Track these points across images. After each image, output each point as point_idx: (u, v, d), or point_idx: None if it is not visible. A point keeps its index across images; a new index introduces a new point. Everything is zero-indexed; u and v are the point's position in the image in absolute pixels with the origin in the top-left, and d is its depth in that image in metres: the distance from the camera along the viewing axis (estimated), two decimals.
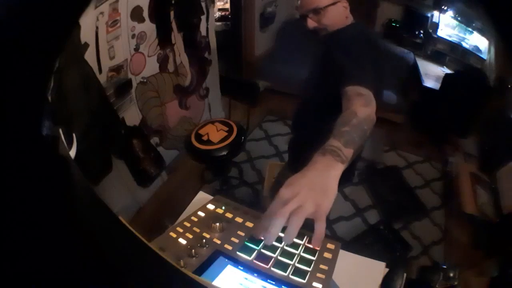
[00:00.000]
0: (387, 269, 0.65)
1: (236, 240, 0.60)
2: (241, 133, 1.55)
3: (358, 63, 0.89)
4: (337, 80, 0.88)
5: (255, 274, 0.54)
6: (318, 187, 0.54)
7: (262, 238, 0.53)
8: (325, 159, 0.59)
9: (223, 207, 0.68)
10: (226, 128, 1.57)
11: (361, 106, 0.73)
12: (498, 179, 1.25)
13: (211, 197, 0.76)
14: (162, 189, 1.69)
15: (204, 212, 0.67)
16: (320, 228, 0.52)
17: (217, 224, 0.62)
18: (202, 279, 0.51)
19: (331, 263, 0.57)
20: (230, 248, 0.58)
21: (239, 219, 0.66)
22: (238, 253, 0.57)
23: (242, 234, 0.61)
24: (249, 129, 1.82)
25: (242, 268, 0.55)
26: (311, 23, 1.03)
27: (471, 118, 1.42)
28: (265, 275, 0.54)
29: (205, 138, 1.53)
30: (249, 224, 0.65)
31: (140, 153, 1.55)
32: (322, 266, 0.55)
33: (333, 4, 1.02)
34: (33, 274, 0.34)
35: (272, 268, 0.55)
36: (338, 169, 0.58)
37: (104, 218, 0.40)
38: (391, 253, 1.28)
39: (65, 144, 0.42)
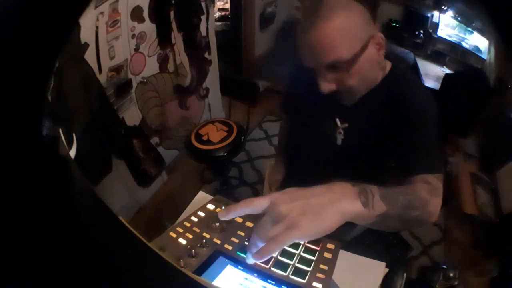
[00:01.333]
0: (387, 269, 0.65)
1: (236, 240, 0.60)
2: (241, 133, 1.55)
3: (422, 144, 0.69)
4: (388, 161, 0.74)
5: (255, 274, 0.54)
6: (311, 207, 0.45)
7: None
8: (350, 189, 0.49)
9: (223, 207, 0.68)
10: (226, 128, 1.57)
11: (426, 191, 0.61)
12: (498, 179, 1.25)
13: (211, 197, 0.76)
14: (162, 189, 1.70)
15: (204, 212, 0.67)
16: (272, 246, 0.43)
17: (217, 224, 0.62)
18: (202, 279, 0.51)
19: (331, 263, 0.57)
20: (230, 248, 0.58)
21: (239, 219, 0.66)
22: (238, 253, 0.57)
23: (242, 234, 0.61)
24: (249, 129, 1.82)
25: (242, 268, 0.55)
26: (326, 86, 0.66)
27: (471, 118, 1.42)
28: (265, 275, 0.54)
29: (205, 138, 1.53)
30: (249, 224, 0.64)
31: (140, 153, 1.55)
32: (322, 266, 0.55)
33: (363, 50, 0.64)
34: (33, 274, 0.34)
35: (272, 268, 0.55)
36: (354, 207, 0.48)
37: (104, 218, 0.40)
38: (391, 253, 1.28)
39: (65, 144, 0.42)
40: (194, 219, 0.65)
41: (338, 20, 0.62)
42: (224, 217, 0.48)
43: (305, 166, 0.93)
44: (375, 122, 0.75)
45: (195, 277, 0.49)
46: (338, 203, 0.47)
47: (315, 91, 0.73)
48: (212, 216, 0.65)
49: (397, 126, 0.72)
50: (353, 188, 0.50)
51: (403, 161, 0.71)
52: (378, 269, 0.66)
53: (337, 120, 0.80)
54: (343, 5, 0.64)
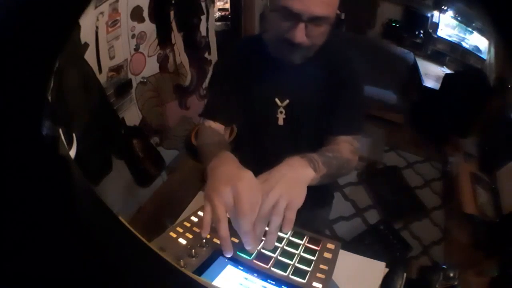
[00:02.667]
0: (387, 269, 0.65)
1: (236, 240, 0.60)
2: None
3: (349, 109, 0.79)
4: (320, 118, 0.80)
5: (255, 274, 0.54)
6: (293, 181, 0.57)
7: (246, 244, 0.54)
8: (302, 160, 0.62)
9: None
10: None
11: (349, 152, 0.76)
12: (498, 179, 1.25)
13: None
14: (162, 189, 1.70)
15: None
16: (291, 215, 0.54)
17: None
18: (202, 279, 0.51)
19: (331, 263, 0.57)
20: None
21: None
22: (238, 253, 0.57)
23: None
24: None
25: (242, 268, 0.55)
26: (301, 36, 0.68)
27: (471, 118, 1.42)
28: (265, 275, 0.54)
29: None
30: None
31: (140, 153, 1.55)
32: (322, 266, 0.55)
33: (336, 14, 0.71)
34: (33, 274, 0.34)
35: (272, 268, 0.55)
36: (310, 173, 0.61)
37: (104, 218, 0.40)
38: (391, 253, 1.28)
39: (65, 144, 0.42)
40: (194, 219, 0.65)
41: None
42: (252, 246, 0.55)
43: (249, 144, 0.95)
44: (313, 90, 0.80)
45: (195, 277, 0.49)
46: (301, 170, 0.60)
47: (252, 71, 0.80)
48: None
49: (331, 90, 0.78)
50: (303, 159, 0.62)
51: (332, 123, 0.79)
52: (378, 269, 0.66)
53: (277, 100, 0.81)
54: None
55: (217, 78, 0.92)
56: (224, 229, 0.53)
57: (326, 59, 0.78)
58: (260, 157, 0.73)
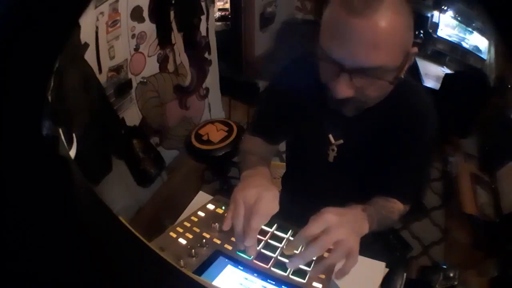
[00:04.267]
0: (387, 269, 0.65)
1: None
2: (241, 133, 1.55)
3: (411, 174, 0.71)
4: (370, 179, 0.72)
5: (255, 274, 0.54)
6: (355, 231, 0.56)
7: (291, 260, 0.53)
8: (363, 215, 0.61)
9: (223, 207, 0.68)
10: (226, 128, 1.57)
11: (398, 213, 0.72)
12: (498, 179, 1.25)
13: (211, 197, 0.76)
14: (162, 189, 1.70)
15: (204, 212, 0.67)
16: (352, 264, 0.53)
17: (217, 224, 0.61)
18: (202, 279, 0.51)
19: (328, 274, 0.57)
20: (230, 248, 0.58)
21: None
22: (238, 253, 0.57)
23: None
24: (245, 131, 1.82)
25: (242, 268, 0.55)
26: (345, 91, 0.54)
27: (471, 118, 1.42)
28: (265, 275, 0.54)
29: (205, 138, 1.53)
30: None
31: (140, 153, 1.55)
32: (321, 276, 0.55)
33: (405, 62, 0.55)
34: (32, 274, 0.34)
35: (272, 268, 0.55)
36: (365, 231, 0.60)
37: (104, 218, 0.40)
38: (391, 253, 1.28)
39: (65, 144, 0.42)
40: (194, 219, 0.65)
41: (400, 18, 0.50)
42: (290, 251, 0.55)
43: (295, 175, 0.90)
44: (372, 139, 0.70)
45: (195, 277, 0.49)
46: (361, 227, 0.59)
47: (308, 101, 0.70)
48: (212, 216, 0.65)
49: (396, 146, 0.68)
50: (364, 214, 0.61)
51: (392, 183, 0.72)
52: (378, 269, 0.66)
53: (330, 137, 0.73)
54: (404, 2, 0.51)
55: (274, 94, 0.80)
56: (240, 226, 0.55)
57: (395, 102, 0.63)
58: (301, 187, 0.72)
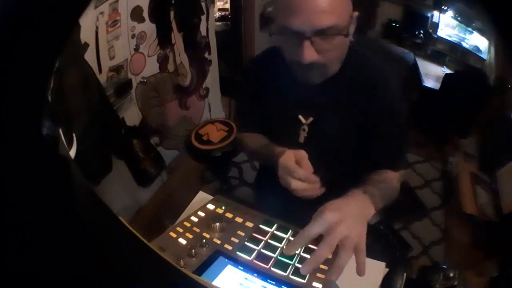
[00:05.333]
0: (387, 269, 0.65)
1: (236, 240, 0.60)
2: None
3: (393, 139, 0.74)
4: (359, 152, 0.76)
5: (255, 274, 0.54)
6: (360, 220, 0.56)
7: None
8: (365, 197, 0.61)
9: (223, 207, 0.68)
10: (226, 128, 1.57)
11: (397, 180, 0.74)
12: (498, 179, 1.25)
13: (211, 197, 0.76)
14: (162, 189, 1.70)
15: (204, 212, 0.67)
16: (363, 258, 0.53)
17: (217, 224, 0.61)
18: (202, 279, 0.51)
19: (331, 263, 0.57)
20: (230, 248, 0.58)
21: (239, 219, 0.66)
22: (238, 253, 0.57)
23: (242, 234, 0.61)
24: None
25: (242, 268, 0.55)
26: (310, 54, 0.61)
27: (471, 118, 1.42)
28: (265, 275, 0.54)
29: (205, 138, 1.53)
30: (249, 224, 0.64)
31: (140, 153, 1.55)
32: (322, 266, 0.55)
33: (350, 22, 0.64)
34: (32, 274, 0.34)
35: (272, 268, 0.55)
36: (371, 211, 0.60)
37: (104, 218, 0.40)
38: (391, 253, 1.28)
39: (65, 144, 0.42)
40: (194, 219, 0.65)
41: None
42: (291, 252, 0.55)
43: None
44: (341, 111, 0.73)
45: (195, 277, 0.49)
46: (365, 209, 0.60)
47: (276, 86, 0.76)
48: (212, 216, 0.65)
49: (365, 116, 0.72)
50: (366, 196, 0.61)
51: (375, 157, 0.75)
52: (378, 269, 0.66)
53: (300, 117, 0.77)
54: None
55: (244, 88, 0.88)
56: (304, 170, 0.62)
57: (355, 74, 0.71)
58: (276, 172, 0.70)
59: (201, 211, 0.67)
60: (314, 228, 0.52)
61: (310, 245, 0.56)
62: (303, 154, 0.64)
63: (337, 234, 0.52)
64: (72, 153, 0.45)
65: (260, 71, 0.80)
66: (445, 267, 0.65)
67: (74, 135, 0.50)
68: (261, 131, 0.84)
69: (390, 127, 0.74)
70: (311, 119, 0.76)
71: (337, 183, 0.65)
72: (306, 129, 0.77)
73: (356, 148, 0.77)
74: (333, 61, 0.67)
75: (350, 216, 0.54)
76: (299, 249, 0.60)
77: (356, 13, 0.66)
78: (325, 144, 0.77)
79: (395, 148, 0.76)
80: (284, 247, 0.59)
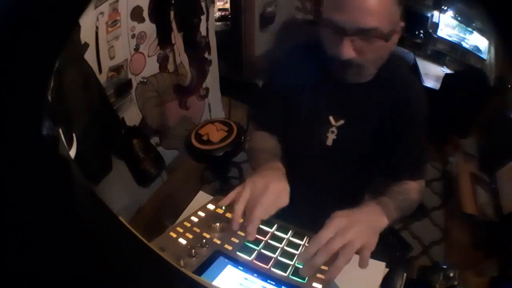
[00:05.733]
0: (387, 269, 0.65)
1: (236, 240, 0.60)
2: (241, 133, 1.55)
3: (416, 150, 0.75)
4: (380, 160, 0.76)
5: (255, 274, 0.54)
6: (369, 228, 0.58)
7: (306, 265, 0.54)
8: (378, 208, 0.62)
9: (223, 207, 0.68)
10: (226, 128, 1.57)
11: (417, 192, 0.74)
12: (498, 179, 1.25)
13: (211, 197, 0.76)
14: (162, 189, 1.70)
15: (204, 212, 0.67)
16: (367, 254, 0.55)
17: (217, 224, 0.61)
18: (202, 279, 0.51)
19: (331, 264, 0.57)
20: (230, 248, 0.58)
21: (239, 220, 0.65)
22: (238, 253, 0.57)
23: (242, 234, 0.61)
24: (249, 129, 1.82)
25: (242, 268, 0.55)
26: (349, 51, 0.61)
27: (471, 118, 1.42)
28: (265, 275, 0.54)
29: (205, 138, 1.53)
30: None
31: (140, 153, 1.55)
32: (322, 267, 0.55)
33: (394, 30, 0.64)
34: (32, 274, 0.34)
35: (272, 269, 0.55)
36: (385, 222, 0.61)
37: (104, 218, 0.40)
38: (391, 253, 1.28)
39: (65, 144, 0.42)
40: (194, 219, 0.65)
41: None
42: (304, 259, 0.55)
43: (292, 161, 0.85)
44: (372, 118, 0.73)
45: (195, 277, 0.49)
46: (377, 221, 0.61)
47: (309, 84, 0.74)
48: (212, 216, 0.65)
49: (394, 125, 0.71)
50: (379, 207, 0.62)
51: (396, 166, 0.76)
52: (378, 269, 0.66)
53: (331, 118, 0.75)
54: None
55: (274, 83, 0.82)
56: (240, 208, 0.58)
57: (389, 82, 0.71)
58: (297, 175, 0.68)
59: (201, 211, 0.67)
60: (325, 233, 0.54)
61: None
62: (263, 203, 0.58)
63: (340, 239, 0.53)
64: (72, 153, 0.45)
65: (294, 64, 0.76)
66: (445, 267, 0.65)
67: (74, 135, 0.49)
68: (279, 131, 0.80)
69: (414, 138, 0.75)
70: (341, 121, 0.74)
71: (356, 189, 0.65)
72: (335, 131, 0.75)
73: (379, 156, 0.76)
74: (370, 63, 0.66)
75: (359, 223, 0.56)
76: (299, 249, 0.60)
77: (402, 24, 0.65)
78: (353, 149, 0.75)
79: (417, 158, 0.77)
80: (297, 254, 0.59)
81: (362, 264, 0.55)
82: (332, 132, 0.75)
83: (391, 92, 0.71)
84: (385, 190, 0.70)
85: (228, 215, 0.66)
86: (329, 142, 0.75)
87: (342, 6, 0.60)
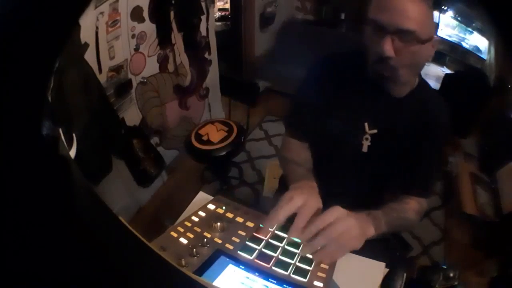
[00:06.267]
0: (387, 269, 0.65)
1: (237, 240, 0.60)
2: (241, 133, 1.55)
3: (430, 170, 0.80)
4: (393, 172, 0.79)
5: (257, 273, 0.54)
6: (353, 232, 0.62)
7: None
8: (366, 218, 0.66)
9: (224, 207, 0.68)
10: (226, 128, 1.57)
11: (416, 213, 0.77)
12: (498, 179, 1.25)
13: (211, 197, 0.76)
14: (162, 189, 1.70)
15: (205, 212, 0.67)
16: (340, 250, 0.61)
17: (218, 223, 0.61)
18: (203, 279, 0.51)
19: (332, 262, 0.57)
20: (231, 247, 0.59)
21: (240, 219, 0.66)
22: (239, 252, 0.57)
23: (243, 233, 0.61)
24: (249, 129, 1.82)
25: (243, 267, 0.55)
26: (389, 48, 0.66)
27: (471, 118, 1.42)
28: (267, 274, 0.54)
29: (205, 138, 1.53)
30: (250, 224, 0.64)
31: (140, 153, 1.55)
32: (323, 265, 0.55)
33: (431, 38, 0.68)
34: (33, 274, 0.34)
35: (274, 267, 0.55)
36: (370, 233, 0.65)
37: (104, 218, 0.40)
38: (391, 253, 1.28)
39: (65, 144, 0.42)
40: (195, 218, 0.65)
41: (424, 2, 0.66)
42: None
43: (325, 166, 0.87)
44: (404, 130, 0.77)
45: (196, 277, 0.49)
46: (363, 227, 0.64)
47: (347, 91, 0.79)
48: (213, 216, 0.65)
49: (421, 140, 0.76)
50: (368, 218, 0.66)
51: (409, 181, 0.79)
52: (378, 269, 0.66)
53: (366, 125, 0.78)
54: None
55: (310, 88, 0.85)
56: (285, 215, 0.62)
57: (421, 100, 0.77)
58: (331, 181, 0.75)
59: (202, 211, 0.67)
60: (327, 217, 0.60)
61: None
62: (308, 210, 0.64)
63: (341, 225, 0.60)
64: (72, 153, 0.45)
65: (335, 70, 0.81)
66: (445, 267, 0.65)
67: (74, 135, 0.49)
68: (312, 139, 0.83)
69: (435, 154, 0.79)
70: (375, 131, 0.78)
71: (378, 198, 0.73)
72: (369, 138, 0.78)
73: (399, 168, 0.79)
74: (406, 68, 0.70)
75: (355, 219, 0.62)
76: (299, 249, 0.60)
77: (437, 38, 0.71)
78: (384, 158, 0.78)
79: (430, 174, 0.80)
80: (301, 247, 0.61)
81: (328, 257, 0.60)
82: (367, 139, 0.78)
83: (422, 109, 0.76)
84: (383, 205, 0.73)
85: (229, 215, 0.66)
86: (365, 149, 0.79)
87: (386, 8, 0.66)
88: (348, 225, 0.61)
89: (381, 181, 0.81)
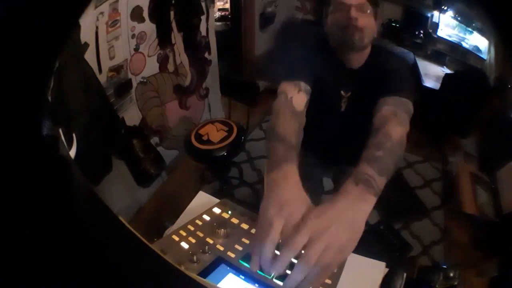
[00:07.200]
0: (387, 269, 0.65)
1: (240, 248, 0.58)
2: (241, 133, 1.55)
3: (401, 76, 0.89)
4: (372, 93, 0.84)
5: (256, 285, 0.52)
6: (346, 224, 0.50)
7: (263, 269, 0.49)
8: (358, 189, 0.54)
9: (230, 212, 0.65)
10: (226, 128, 1.57)
11: (395, 125, 0.68)
12: (498, 179, 1.25)
13: (211, 197, 0.75)
14: (162, 189, 1.70)
15: (209, 216, 0.64)
16: (336, 260, 0.49)
17: (222, 230, 0.59)
18: (203, 279, 0.51)
19: (336, 276, 0.54)
20: (233, 256, 0.57)
21: (244, 226, 0.63)
22: (240, 261, 0.55)
23: (247, 241, 0.59)
24: (249, 129, 1.82)
25: (243, 277, 0.53)
26: (356, 14, 0.83)
27: (471, 118, 1.42)
28: (267, 286, 0.52)
29: (205, 138, 1.53)
30: (255, 231, 0.62)
31: (140, 153, 1.55)
32: (327, 281, 0.53)
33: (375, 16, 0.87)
34: (32, 274, 0.34)
35: (275, 280, 0.52)
36: (370, 203, 0.54)
37: (104, 218, 0.40)
38: (391, 253, 1.28)
39: (65, 144, 0.42)
40: (199, 222, 0.63)
41: None
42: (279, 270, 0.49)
43: (313, 127, 0.86)
44: (370, 84, 0.89)
45: (196, 277, 0.48)
46: (359, 206, 0.53)
47: (324, 66, 0.93)
48: (217, 221, 0.63)
49: (384, 76, 0.87)
50: (360, 188, 0.54)
51: (381, 88, 0.83)
52: (378, 269, 0.66)
53: (342, 92, 0.97)
54: None
55: (291, 40, 1.04)
56: (270, 251, 0.50)
57: (378, 63, 0.92)
58: (319, 138, 0.88)
59: (206, 214, 0.65)
60: (298, 239, 0.48)
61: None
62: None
63: (317, 245, 0.48)
64: (72, 153, 0.45)
65: (307, 43, 0.97)
66: (445, 267, 0.65)
67: (74, 135, 0.49)
68: (310, 78, 0.88)
69: (395, 74, 0.88)
70: (349, 93, 0.97)
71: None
72: (346, 101, 0.97)
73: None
74: (367, 33, 0.85)
75: (336, 222, 0.50)
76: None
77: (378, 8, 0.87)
78: (361, 111, 0.84)
79: (404, 77, 0.88)
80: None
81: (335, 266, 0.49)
82: (344, 102, 0.98)
83: (380, 68, 0.90)
84: (362, 155, 0.62)
85: (234, 220, 0.64)
86: (343, 108, 0.98)
87: None
88: (330, 237, 0.48)
89: (361, 137, 0.73)
